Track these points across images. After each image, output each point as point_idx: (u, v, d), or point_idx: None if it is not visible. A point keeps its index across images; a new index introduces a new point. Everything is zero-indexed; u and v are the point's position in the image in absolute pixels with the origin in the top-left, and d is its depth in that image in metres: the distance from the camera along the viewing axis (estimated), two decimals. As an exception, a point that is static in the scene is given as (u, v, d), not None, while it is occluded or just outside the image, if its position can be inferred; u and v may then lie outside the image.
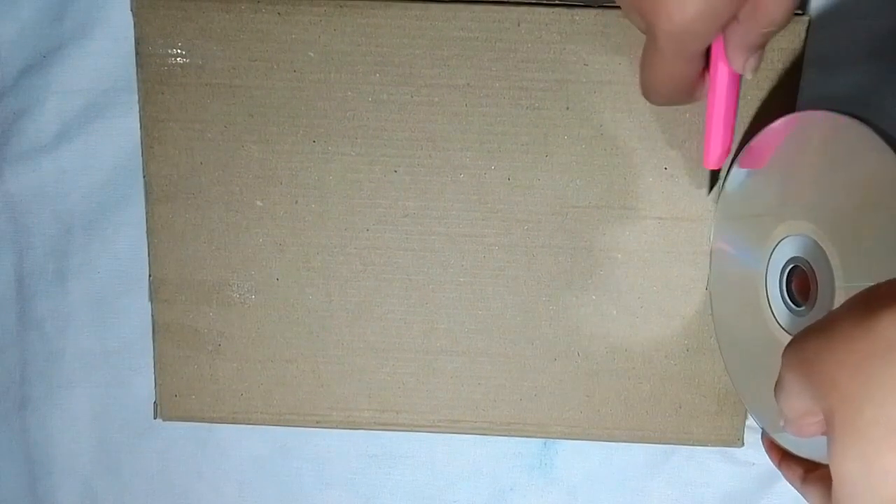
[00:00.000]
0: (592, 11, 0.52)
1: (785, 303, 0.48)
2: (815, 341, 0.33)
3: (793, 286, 0.47)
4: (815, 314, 0.44)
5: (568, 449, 0.60)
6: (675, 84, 0.46)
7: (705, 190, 0.54)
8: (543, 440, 0.60)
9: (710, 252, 0.55)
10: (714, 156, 0.50)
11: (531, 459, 0.61)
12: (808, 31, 0.52)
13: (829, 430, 0.32)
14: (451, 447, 0.61)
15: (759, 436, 0.54)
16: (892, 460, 0.29)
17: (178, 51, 0.54)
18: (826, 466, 0.42)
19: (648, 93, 0.48)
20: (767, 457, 0.49)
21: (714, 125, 0.49)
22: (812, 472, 0.42)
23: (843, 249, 0.42)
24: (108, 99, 0.58)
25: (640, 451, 0.60)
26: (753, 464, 0.59)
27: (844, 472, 0.31)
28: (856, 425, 0.30)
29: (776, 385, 0.36)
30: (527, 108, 0.54)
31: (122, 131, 0.58)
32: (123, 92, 0.57)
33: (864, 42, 0.54)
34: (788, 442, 0.47)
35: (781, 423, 0.37)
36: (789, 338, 0.37)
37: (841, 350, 0.31)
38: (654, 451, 0.60)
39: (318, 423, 0.58)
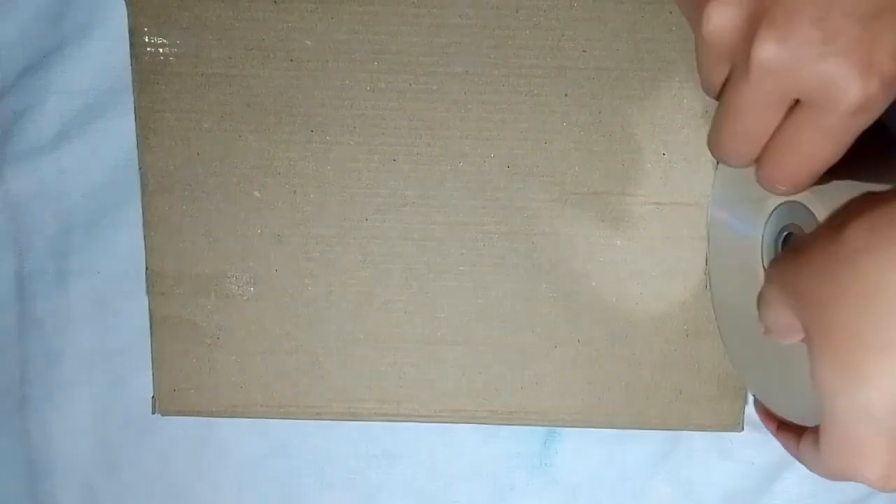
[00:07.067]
0: (591, -3, 0.53)
1: None
2: (794, 257, 0.34)
3: None
4: None
5: (568, 448, 0.60)
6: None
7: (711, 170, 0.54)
8: (544, 439, 0.60)
9: (707, 225, 0.55)
10: None
11: (531, 459, 0.60)
12: None
13: (808, 342, 0.33)
14: (451, 447, 0.61)
15: (761, 436, 0.54)
16: (867, 363, 0.30)
17: (173, 40, 0.54)
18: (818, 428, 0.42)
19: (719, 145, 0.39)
20: (763, 426, 0.49)
21: None
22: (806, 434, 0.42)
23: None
24: (108, 99, 0.58)
25: (641, 450, 0.60)
26: (753, 463, 0.59)
27: (824, 380, 0.32)
28: (830, 332, 0.31)
29: (758, 299, 0.37)
30: (525, 95, 0.54)
31: (122, 131, 0.58)
32: (123, 92, 0.57)
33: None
34: (783, 410, 0.47)
35: (763, 331, 0.38)
36: None
37: (815, 261, 0.33)
38: (655, 450, 0.60)
39: (319, 416, 0.58)
